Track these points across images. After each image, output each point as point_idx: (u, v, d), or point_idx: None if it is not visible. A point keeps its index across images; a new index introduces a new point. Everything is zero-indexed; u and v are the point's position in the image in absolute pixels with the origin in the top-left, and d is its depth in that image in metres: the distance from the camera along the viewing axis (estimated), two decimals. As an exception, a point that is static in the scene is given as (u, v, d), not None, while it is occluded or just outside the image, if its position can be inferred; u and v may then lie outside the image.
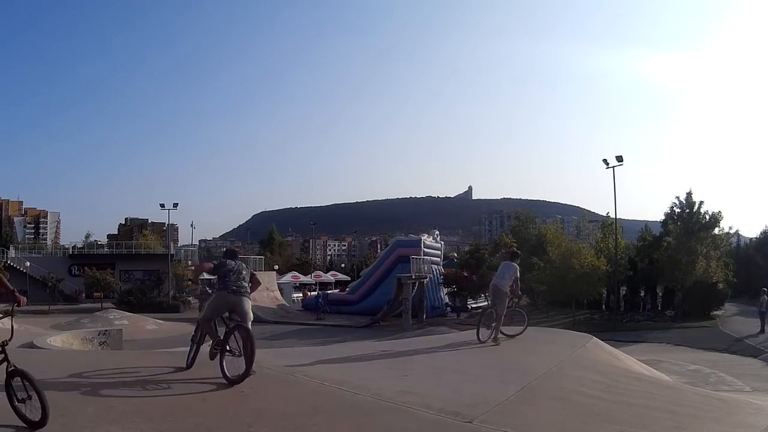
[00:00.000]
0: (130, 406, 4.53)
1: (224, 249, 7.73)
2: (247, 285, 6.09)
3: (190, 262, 61.23)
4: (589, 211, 52.74)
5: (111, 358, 8.92)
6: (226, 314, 6.07)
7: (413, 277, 31.59)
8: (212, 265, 6.23)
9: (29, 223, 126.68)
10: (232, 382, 5.43)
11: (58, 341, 11.89)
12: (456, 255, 55.24)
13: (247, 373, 5.45)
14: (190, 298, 40.47)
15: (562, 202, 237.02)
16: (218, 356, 5.73)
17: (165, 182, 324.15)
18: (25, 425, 3.84)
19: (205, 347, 6.18)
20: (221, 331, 6.01)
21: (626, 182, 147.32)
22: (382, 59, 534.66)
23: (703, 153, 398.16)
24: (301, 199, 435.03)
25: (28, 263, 44.59)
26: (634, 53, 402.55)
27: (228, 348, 5.73)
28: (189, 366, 6.16)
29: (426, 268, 34.08)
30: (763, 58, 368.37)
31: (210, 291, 6.66)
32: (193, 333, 6.40)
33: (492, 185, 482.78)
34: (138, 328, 22.35)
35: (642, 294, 35.83)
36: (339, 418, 4.60)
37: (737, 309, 34.70)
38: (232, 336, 5.73)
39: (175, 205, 44.34)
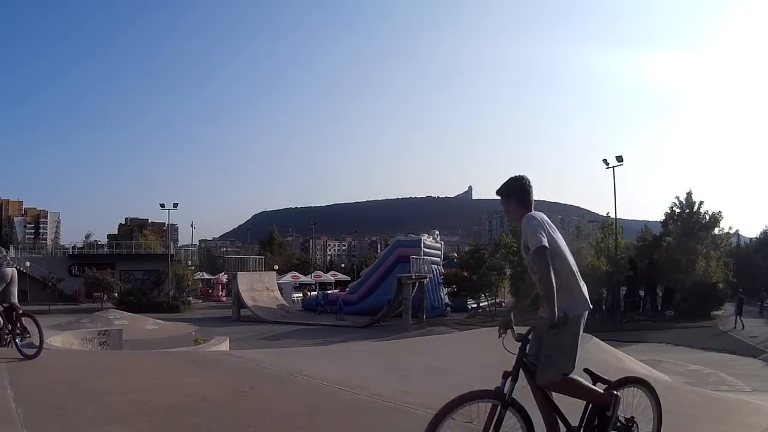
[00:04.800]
0: (130, 406, 4.52)
1: None
2: None
3: (189, 262, 61.31)
4: (589, 211, 53.06)
5: (111, 358, 8.92)
6: None
7: (413, 277, 31.61)
8: None
9: (29, 223, 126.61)
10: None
11: (58, 341, 11.86)
12: (456, 255, 55.28)
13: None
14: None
15: (562, 202, 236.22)
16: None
17: (165, 182, 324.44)
18: None
19: None
20: None
21: (626, 182, 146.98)
22: (382, 59, 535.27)
23: (703, 153, 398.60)
24: (301, 199, 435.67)
25: (28, 263, 44.61)
26: (634, 53, 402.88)
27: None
28: None
29: (426, 268, 34.11)
30: (763, 58, 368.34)
31: None
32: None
33: (492, 185, 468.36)
34: (138, 328, 22.30)
35: (642, 294, 35.81)
36: (339, 418, 4.59)
37: (737, 309, 34.61)
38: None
39: (175, 205, 44.42)
